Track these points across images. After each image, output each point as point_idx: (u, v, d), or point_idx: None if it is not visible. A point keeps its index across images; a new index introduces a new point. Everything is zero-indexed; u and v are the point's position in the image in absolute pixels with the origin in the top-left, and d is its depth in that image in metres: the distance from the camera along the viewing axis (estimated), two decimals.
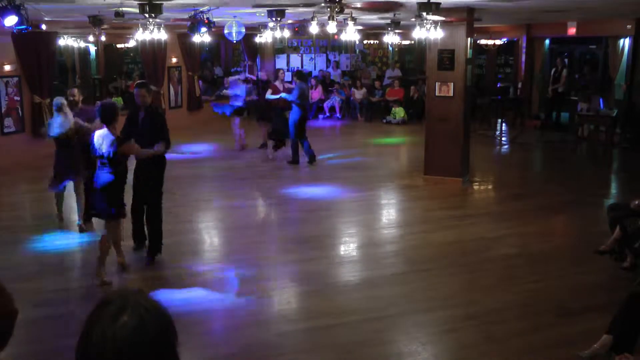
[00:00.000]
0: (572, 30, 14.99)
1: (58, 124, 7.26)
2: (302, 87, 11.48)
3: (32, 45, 11.60)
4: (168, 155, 6.66)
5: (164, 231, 6.68)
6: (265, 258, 6.88)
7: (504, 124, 16.34)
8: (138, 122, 6.42)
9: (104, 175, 5.88)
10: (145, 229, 6.70)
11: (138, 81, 7.58)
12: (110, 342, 1.30)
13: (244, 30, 10.43)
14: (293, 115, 11.35)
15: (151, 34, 7.51)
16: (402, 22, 11.39)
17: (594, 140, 14.07)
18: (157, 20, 7.38)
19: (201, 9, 8.67)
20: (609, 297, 5.47)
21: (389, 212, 9.17)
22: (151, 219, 6.59)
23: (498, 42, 18.31)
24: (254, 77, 12.21)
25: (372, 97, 18.04)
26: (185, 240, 7.31)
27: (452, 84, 9.73)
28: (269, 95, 11.89)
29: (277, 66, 19.67)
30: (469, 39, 9.66)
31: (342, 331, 5.04)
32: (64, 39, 14.13)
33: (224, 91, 13.16)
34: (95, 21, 9.81)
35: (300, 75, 11.95)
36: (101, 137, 5.85)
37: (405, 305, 5.55)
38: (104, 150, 5.81)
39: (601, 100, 14.06)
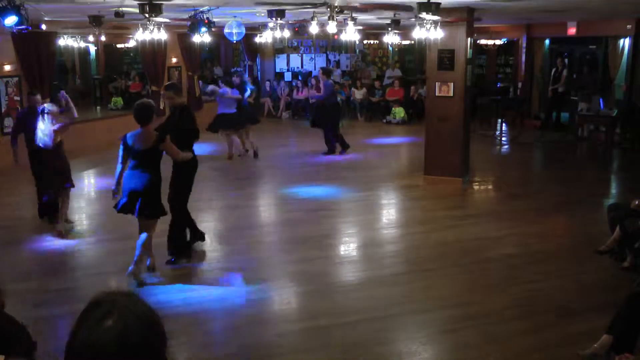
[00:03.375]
0: (572, 30, 14.99)
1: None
2: (331, 84, 12.54)
3: (32, 45, 11.60)
4: None
5: (163, 230, 6.65)
6: (265, 258, 6.89)
7: (504, 124, 16.34)
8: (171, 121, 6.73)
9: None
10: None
11: (166, 83, 7.66)
12: (92, 346, 1.31)
13: (244, 30, 10.43)
14: (331, 110, 12.40)
15: (151, 34, 7.50)
16: (402, 22, 11.38)
17: (594, 140, 14.07)
18: (158, 19, 7.38)
19: (201, 9, 8.67)
20: (609, 297, 5.47)
21: (389, 212, 9.17)
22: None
23: (498, 42, 18.32)
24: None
25: (372, 97, 18.03)
26: None
27: (452, 84, 9.73)
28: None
29: (277, 66, 19.73)
30: (469, 39, 9.66)
31: (342, 331, 5.03)
32: (64, 39, 14.12)
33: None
34: (95, 21, 9.81)
35: (329, 72, 12.99)
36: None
37: (405, 305, 5.55)
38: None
39: (601, 100, 14.06)
